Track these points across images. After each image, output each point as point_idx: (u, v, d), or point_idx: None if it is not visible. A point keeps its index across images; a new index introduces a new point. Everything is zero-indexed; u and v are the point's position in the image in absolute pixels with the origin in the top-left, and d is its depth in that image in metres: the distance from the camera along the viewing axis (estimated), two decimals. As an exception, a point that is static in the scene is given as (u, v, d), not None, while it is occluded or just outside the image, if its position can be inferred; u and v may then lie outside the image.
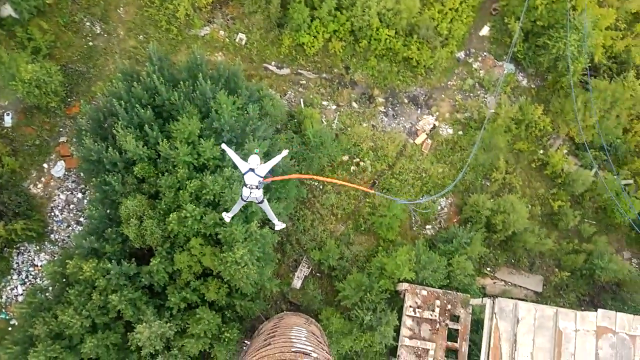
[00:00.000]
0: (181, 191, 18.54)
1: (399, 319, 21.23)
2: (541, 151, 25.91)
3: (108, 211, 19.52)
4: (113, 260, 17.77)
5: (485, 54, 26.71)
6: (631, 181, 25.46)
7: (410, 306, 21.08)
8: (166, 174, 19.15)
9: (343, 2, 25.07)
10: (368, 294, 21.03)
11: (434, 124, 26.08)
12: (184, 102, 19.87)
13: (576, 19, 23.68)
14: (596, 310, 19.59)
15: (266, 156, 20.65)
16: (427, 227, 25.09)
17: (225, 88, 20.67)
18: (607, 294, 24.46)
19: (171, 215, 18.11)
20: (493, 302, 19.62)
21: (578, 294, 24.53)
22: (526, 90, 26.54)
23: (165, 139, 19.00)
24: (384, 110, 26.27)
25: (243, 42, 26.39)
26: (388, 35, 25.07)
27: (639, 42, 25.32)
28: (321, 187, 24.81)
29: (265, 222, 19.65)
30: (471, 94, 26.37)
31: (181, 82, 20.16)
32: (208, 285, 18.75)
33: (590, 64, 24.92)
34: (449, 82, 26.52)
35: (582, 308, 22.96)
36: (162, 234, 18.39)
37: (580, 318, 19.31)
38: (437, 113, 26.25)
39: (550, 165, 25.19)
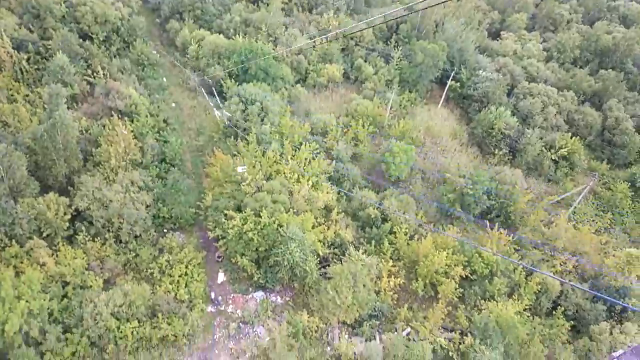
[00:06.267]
0: None
1: None
2: (328, 348, 26.40)
3: None
4: None
5: (232, 295, 27.79)
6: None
7: None
8: None
9: (69, 322, 23.76)
10: None
11: (223, 383, 24.58)
12: None
13: (287, 231, 26.95)
14: None
15: None
16: None
17: None
18: None
19: None
20: None
21: None
22: (284, 305, 27.87)
23: None
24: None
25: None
26: (133, 327, 24.14)
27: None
28: None
29: None
30: (241, 335, 26.29)
31: None
32: None
33: (318, 258, 28.00)
34: (215, 336, 26.14)
35: None
36: None
37: None
38: (219, 370, 25.03)
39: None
